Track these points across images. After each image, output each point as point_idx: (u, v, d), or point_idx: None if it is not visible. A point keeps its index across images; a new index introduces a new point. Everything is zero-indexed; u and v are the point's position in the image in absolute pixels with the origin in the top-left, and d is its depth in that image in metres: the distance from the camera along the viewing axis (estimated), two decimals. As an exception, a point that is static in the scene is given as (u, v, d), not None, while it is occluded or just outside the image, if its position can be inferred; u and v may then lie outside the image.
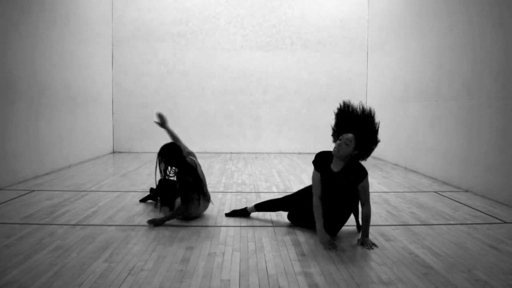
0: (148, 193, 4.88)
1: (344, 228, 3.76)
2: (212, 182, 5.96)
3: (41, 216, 4.11)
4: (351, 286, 2.59)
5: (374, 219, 3.92)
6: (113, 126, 9.89)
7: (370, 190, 3.89)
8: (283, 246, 3.32)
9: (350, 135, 3.32)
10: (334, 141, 3.47)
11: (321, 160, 3.42)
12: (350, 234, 3.65)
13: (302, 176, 6.75)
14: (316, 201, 3.40)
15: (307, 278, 2.71)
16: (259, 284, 2.62)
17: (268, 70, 10.01)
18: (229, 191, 5.45)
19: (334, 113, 3.58)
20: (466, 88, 5.61)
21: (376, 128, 3.42)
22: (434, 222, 4.04)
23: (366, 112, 3.44)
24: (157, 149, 4.02)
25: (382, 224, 3.96)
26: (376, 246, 3.30)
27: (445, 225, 3.95)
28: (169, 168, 3.89)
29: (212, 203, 4.50)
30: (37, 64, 6.38)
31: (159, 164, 3.87)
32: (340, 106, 3.55)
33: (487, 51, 5.15)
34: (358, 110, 3.47)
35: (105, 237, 3.48)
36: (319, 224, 3.36)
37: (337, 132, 3.50)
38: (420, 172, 6.96)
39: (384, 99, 8.89)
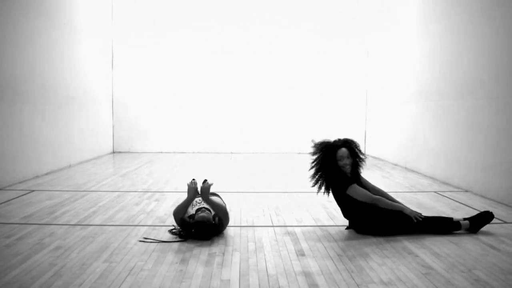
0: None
1: (342, 228, 3.79)
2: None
3: (41, 216, 4.11)
4: (351, 286, 2.59)
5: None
6: (113, 126, 9.89)
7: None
8: (283, 246, 3.32)
9: (345, 150, 3.71)
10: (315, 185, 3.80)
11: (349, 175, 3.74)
12: (350, 234, 3.65)
13: (302, 176, 6.74)
14: (373, 197, 3.64)
15: (307, 278, 2.71)
16: (259, 284, 2.62)
17: (268, 70, 10.00)
18: (229, 191, 5.45)
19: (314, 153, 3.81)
20: (466, 88, 5.61)
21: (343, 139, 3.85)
22: (434, 222, 4.03)
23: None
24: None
25: (382, 224, 3.95)
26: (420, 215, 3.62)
27: (445, 225, 3.95)
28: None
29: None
30: (37, 64, 6.38)
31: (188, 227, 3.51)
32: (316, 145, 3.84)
33: (487, 51, 5.15)
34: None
35: (105, 237, 3.48)
36: (399, 205, 3.67)
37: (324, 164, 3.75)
38: (420, 172, 6.96)
39: (384, 99, 8.90)
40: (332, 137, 3.92)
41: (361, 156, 3.80)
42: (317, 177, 3.77)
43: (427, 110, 6.77)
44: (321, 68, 10.04)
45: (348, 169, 3.71)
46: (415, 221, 3.56)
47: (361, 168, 3.84)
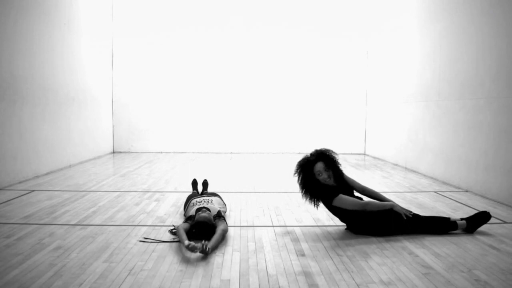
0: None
1: (342, 228, 3.79)
2: (212, 182, 5.95)
3: (41, 216, 4.11)
4: (351, 286, 2.59)
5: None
6: (113, 126, 9.89)
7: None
8: (283, 246, 3.32)
9: (320, 164, 3.67)
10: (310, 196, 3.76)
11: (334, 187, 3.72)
12: (350, 234, 3.65)
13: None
14: (360, 203, 3.58)
15: (307, 278, 2.71)
16: (259, 284, 2.62)
17: (268, 70, 10.00)
18: (229, 191, 5.45)
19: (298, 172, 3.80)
20: (466, 88, 5.61)
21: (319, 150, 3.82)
22: (434, 222, 4.03)
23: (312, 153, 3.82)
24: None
25: (382, 224, 3.95)
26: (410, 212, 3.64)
27: (445, 225, 3.95)
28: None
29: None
30: (37, 64, 6.38)
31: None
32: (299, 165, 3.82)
33: (487, 51, 5.15)
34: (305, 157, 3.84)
35: (105, 237, 3.48)
36: (388, 204, 3.62)
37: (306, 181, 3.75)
38: (420, 172, 6.96)
39: (384, 99, 8.90)
40: (320, 146, 3.98)
41: (338, 165, 3.75)
42: (305, 195, 3.76)
43: (427, 110, 6.77)
44: (321, 68, 10.04)
45: (330, 181, 3.69)
46: (405, 218, 3.56)
47: (343, 173, 3.79)
